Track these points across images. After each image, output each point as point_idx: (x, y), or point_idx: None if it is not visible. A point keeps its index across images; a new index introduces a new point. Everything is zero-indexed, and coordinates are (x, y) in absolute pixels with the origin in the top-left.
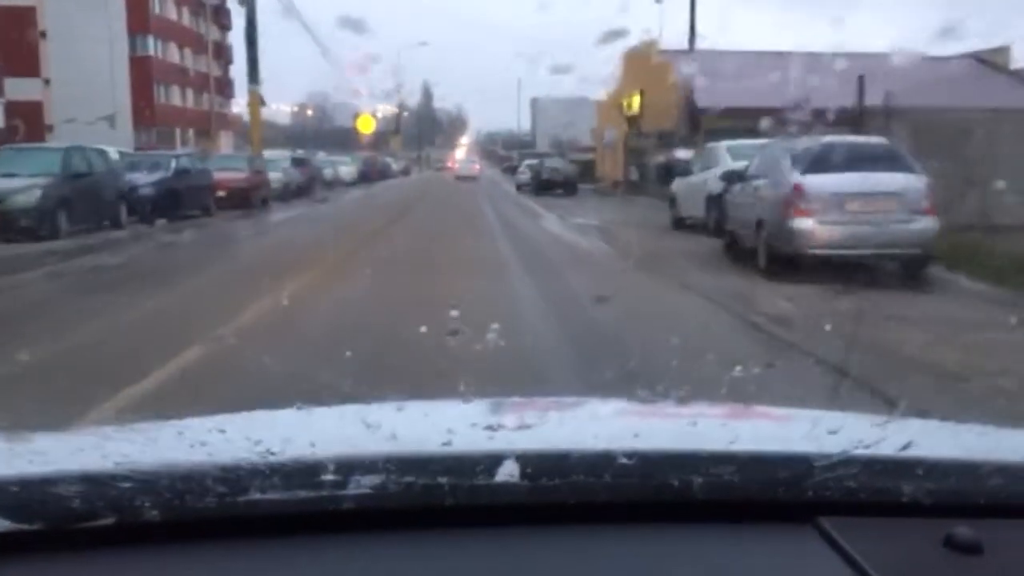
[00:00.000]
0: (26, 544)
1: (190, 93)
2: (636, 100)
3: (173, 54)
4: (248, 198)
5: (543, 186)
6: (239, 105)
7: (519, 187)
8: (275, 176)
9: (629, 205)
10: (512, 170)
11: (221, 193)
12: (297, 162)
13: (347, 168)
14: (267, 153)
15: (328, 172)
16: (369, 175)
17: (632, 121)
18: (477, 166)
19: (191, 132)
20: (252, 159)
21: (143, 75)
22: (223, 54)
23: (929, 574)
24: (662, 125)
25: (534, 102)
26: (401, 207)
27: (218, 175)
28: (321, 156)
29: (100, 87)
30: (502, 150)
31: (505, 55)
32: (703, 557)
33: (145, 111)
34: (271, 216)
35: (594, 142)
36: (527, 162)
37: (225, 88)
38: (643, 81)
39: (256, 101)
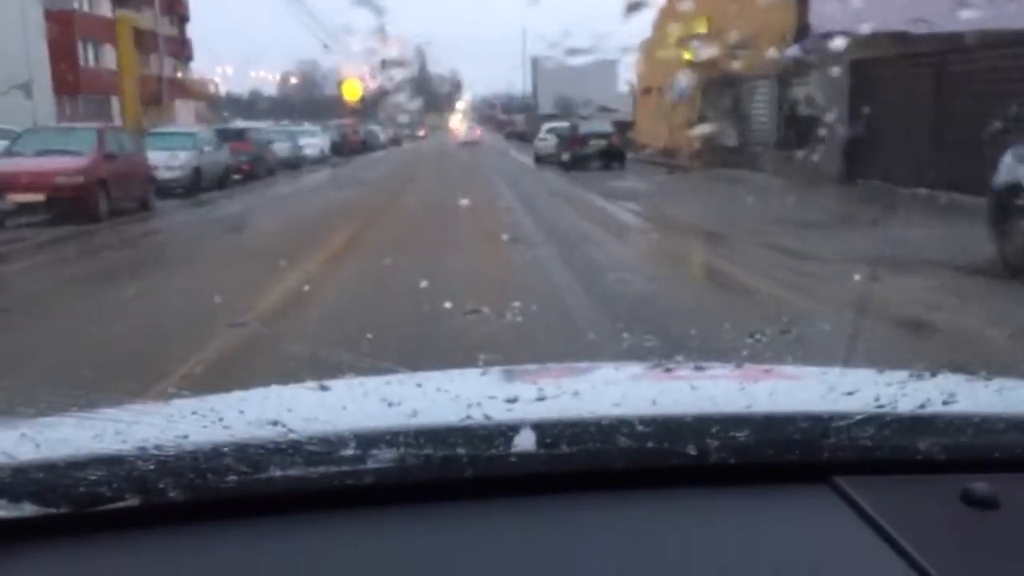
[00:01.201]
0: (52, 528)
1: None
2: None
3: (103, 6)
4: (90, 202)
5: (580, 158)
6: (209, 71)
7: (539, 159)
8: (178, 159)
9: (750, 192)
10: (517, 136)
11: (30, 198)
12: (227, 136)
13: (314, 140)
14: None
15: (283, 147)
16: (345, 148)
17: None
18: (478, 131)
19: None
20: (105, 134)
21: (64, 32)
22: (176, 7)
23: (946, 530)
24: (753, 64)
25: (535, 62)
26: (365, 212)
27: (21, 166)
28: (269, 125)
29: (12, 49)
30: (502, 114)
31: (500, 7)
32: (721, 519)
33: (68, 77)
34: (107, 244)
35: (635, 98)
36: (549, 126)
37: (180, 49)
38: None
39: (126, 35)
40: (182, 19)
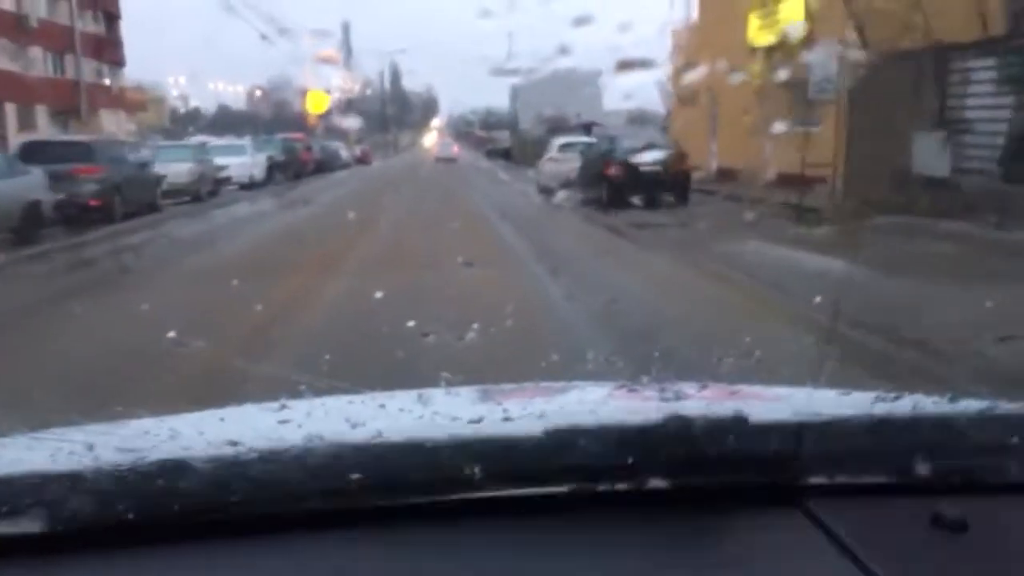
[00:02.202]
0: (6, 546)
1: (39, 54)
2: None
3: None
4: None
5: (621, 190)
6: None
7: (547, 189)
8: None
9: None
10: (500, 154)
11: None
12: (49, 153)
13: (240, 160)
14: None
15: (179, 169)
16: (292, 168)
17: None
18: (456, 148)
19: (41, 110)
20: None
21: None
22: (101, 1)
23: (916, 552)
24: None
25: (514, 89)
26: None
27: None
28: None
29: None
30: (480, 131)
31: (475, 19)
32: (692, 541)
33: None
34: None
35: (670, 107)
36: (564, 141)
37: (108, 50)
38: None
39: None
40: (110, 16)
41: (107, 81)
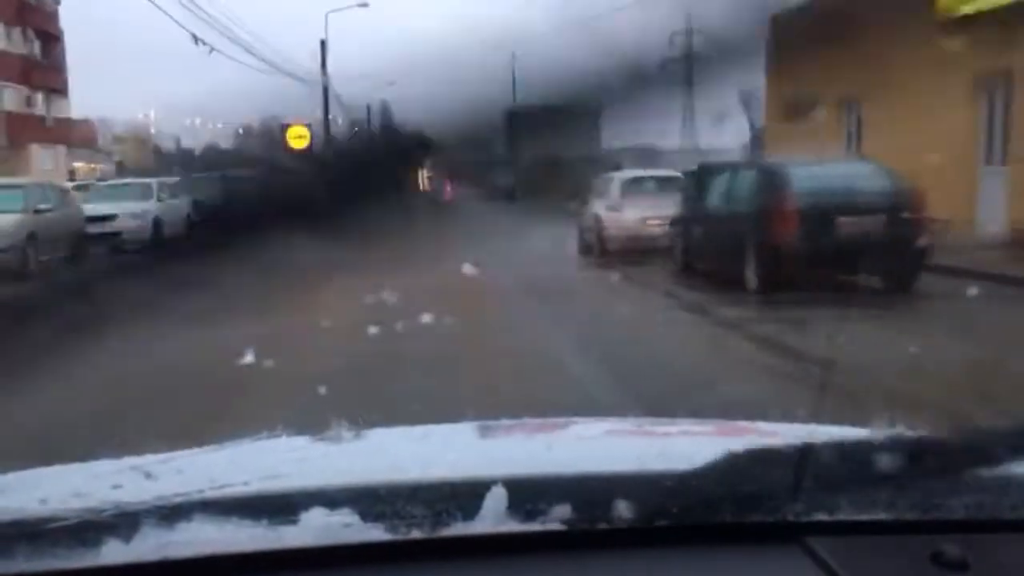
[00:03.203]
0: None
1: None
2: None
3: None
4: None
5: (802, 258)
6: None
7: (596, 255)
8: None
9: None
10: (503, 195)
11: None
12: None
13: (137, 208)
14: None
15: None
16: (230, 219)
17: None
18: (449, 188)
19: None
20: None
21: None
22: (31, 18)
23: None
24: None
25: (510, 111)
26: None
27: None
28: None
29: None
30: (476, 168)
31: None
32: None
33: None
34: None
35: (756, 126)
36: (632, 176)
37: (43, 75)
38: None
39: None
40: (45, 37)
41: (36, 111)
